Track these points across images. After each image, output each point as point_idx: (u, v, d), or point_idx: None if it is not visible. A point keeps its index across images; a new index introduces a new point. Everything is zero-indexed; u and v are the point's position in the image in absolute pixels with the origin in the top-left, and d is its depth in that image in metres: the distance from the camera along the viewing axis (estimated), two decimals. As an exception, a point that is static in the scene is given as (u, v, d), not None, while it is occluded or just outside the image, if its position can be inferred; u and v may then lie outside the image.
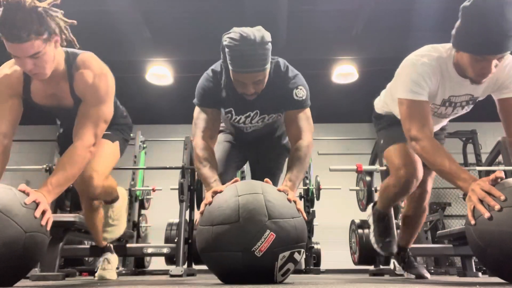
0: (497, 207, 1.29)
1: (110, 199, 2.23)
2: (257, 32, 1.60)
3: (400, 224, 2.52)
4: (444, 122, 2.13)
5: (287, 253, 1.28)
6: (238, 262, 1.26)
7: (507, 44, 1.49)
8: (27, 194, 1.34)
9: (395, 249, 2.31)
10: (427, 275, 2.33)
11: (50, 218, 1.37)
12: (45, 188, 1.43)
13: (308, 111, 1.84)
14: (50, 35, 1.46)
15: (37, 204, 1.34)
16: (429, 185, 2.20)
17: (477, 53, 1.55)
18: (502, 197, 1.30)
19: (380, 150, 2.37)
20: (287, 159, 1.89)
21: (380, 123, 2.30)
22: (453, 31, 1.63)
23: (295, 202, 1.42)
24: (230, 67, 1.65)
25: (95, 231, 2.26)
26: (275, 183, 2.08)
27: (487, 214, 1.31)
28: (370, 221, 2.44)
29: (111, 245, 2.52)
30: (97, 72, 1.66)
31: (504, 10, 1.44)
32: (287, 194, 1.43)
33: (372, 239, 2.40)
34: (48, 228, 1.36)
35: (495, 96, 1.78)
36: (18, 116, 1.69)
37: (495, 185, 1.37)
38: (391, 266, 2.55)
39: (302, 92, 1.79)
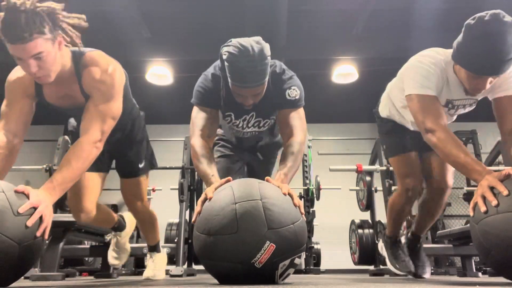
0: (494, 202, 1.29)
1: (149, 224, 2.46)
2: (256, 46, 1.56)
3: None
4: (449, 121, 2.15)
5: (287, 261, 1.25)
6: (237, 272, 1.23)
7: (504, 67, 1.54)
8: (27, 195, 1.26)
9: (412, 267, 2.36)
10: (426, 275, 2.33)
11: (48, 226, 1.29)
12: (49, 185, 1.37)
13: (301, 111, 1.84)
14: (53, 36, 1.43)
15: (34, 210, 1.24)
16: (449, 179, 2.19)
17: (474, 72, 1.60)
18: (505, 192, 1.29)
19: (385, 156, 2.47)
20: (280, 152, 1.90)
21: (381, 126, 2.35)
22: (454, 44, 1.67)
23: (291, 196, 1.37)
24: (229, 80, 1.65)
25: (145, 233, 2.57)
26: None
27: (483, 208, 1.32)
28: (384, 253, 2.54)
29: (159, 244, 2.63)
30: (104, 68, 1.62)
31: (506, 34, 1.47)
32: (281, 190, 1.38)
33: (388, 263, 2.49)
34: (46, 237, 1.28)
35: (490, 96, 1.82)
36: (29, 117, 1.67)
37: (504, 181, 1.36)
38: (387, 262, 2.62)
39: (295, 92, 1.79)
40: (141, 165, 2.18)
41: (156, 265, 2.52)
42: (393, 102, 2.15)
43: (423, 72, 1.75)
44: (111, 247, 2.61)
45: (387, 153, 2.35)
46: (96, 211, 2.09)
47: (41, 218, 1.26)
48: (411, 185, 2.20)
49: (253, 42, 1.58)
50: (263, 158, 2.32)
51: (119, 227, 2.51)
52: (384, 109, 2.26)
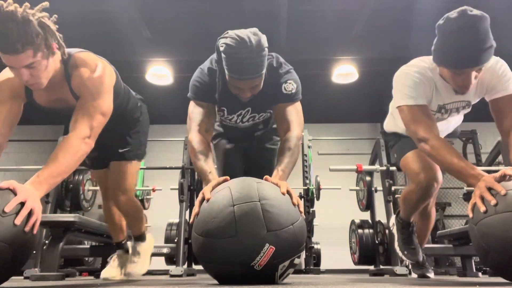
0: (493, 202, 1.31)
1: (133, 217, 2.35)
2: (254, 37, 1.55)
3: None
4: (449, 129, 2.14)
5: (287, 262, 1.24)
6: (237, 275, 1.23)
7: (483, 57, 1.54)
8: (13, 190, 1.23)
9: (420, 256, 2.28)
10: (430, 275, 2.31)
11: (38, 220, 1.24)
12: (36, 180, 1.35)
13: (298, 105, 1.82)
14: (46, 45, 1.44)
15: (21, 206, 1.20)
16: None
17: (454, 67, 1.61)
18: (503, 192, 1.31)
19: (396, 165, 2.40)
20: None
21: (389, 140, 2.36)
22: (432, 47, 1.68)
23: (290, 194, 1.34)
24: (226, 72, 1.63)
25: (129, 225, 2.44)
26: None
27: (482, 208, 1.34)
28: (394, 230, 2.42)
29: (145, 233, 2.52)
30: (92, 68, 1.63)
31: (477, 25, 1.49)
32: (279, 188, 1.36)
33: (397, 247, 2.38)
34: (35, 231, 1.24)
35: (487, 98, 1.84)
36: (15, 118, 1.66)
37: (501, 182, 1.38)
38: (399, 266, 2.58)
39: (291, 86, 1.77)
40: (121, 150, 2.15)
41: (141, 257, 2.44)
42: (398, 124, 2.12)
43: (409, 82, 1.76)
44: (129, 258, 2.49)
45: (399, 156, 2.21)
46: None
47: (30, 213, 1.22)
48: (425, 179, 1.97)
49: (250, 33, 1.57)
50: (261, 144, 2.27)
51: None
52: (388, 125, 2.30)
